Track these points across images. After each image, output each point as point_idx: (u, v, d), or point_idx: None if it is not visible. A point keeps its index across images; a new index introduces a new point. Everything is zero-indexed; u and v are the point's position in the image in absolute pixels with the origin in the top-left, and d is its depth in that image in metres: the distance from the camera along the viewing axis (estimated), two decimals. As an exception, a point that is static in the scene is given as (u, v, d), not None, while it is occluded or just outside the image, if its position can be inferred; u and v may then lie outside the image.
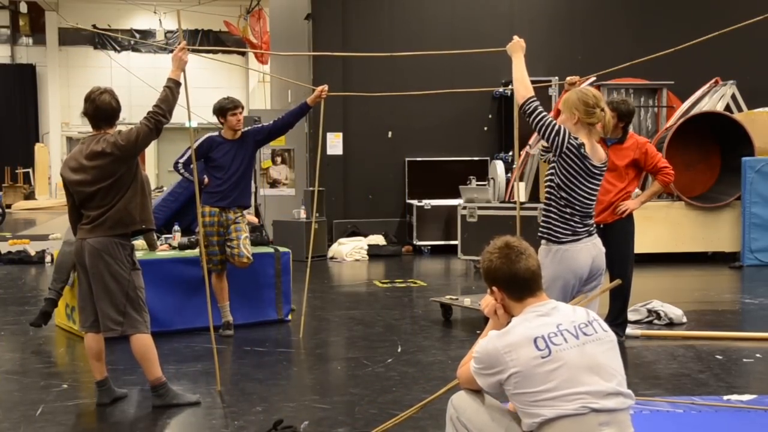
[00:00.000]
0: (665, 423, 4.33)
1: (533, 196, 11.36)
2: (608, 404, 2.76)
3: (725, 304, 8.17)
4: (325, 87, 6.44)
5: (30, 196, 26.45)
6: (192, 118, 5.01)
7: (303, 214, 11.60)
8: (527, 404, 2.78)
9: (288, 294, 7.10)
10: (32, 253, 11.57)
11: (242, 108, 6.53)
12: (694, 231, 10.83)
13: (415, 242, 12.45)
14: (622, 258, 5.95)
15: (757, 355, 5.84)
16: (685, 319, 6.88)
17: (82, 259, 4.59)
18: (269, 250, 7.17)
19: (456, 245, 10.68)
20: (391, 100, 11.91)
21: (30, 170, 27.10)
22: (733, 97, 11.52)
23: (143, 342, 4.62)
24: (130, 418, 4.58)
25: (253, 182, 7.53)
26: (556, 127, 4.14)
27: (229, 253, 6.45)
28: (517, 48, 4.44)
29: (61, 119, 28.90)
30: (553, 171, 4.27)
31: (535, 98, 4.20)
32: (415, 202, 12.50)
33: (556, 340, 2.79)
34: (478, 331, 5.04)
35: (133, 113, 21.71)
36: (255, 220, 8.63)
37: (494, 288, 3.01)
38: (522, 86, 4.27)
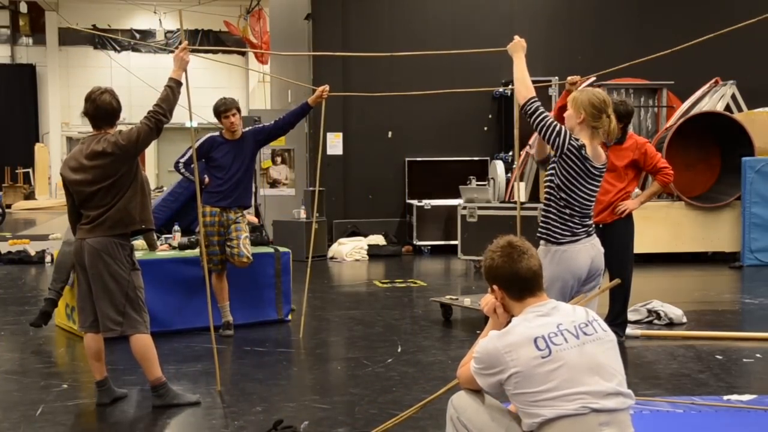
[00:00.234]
0: (665, 423, 4.33)
1: (533, 196, 11.35)
2: (608, 404, 2.76)
3: (725, 304, 8.17)
4: (327, 87, 6.43)
5: (30, 196, 26.43)
6: (192, 118, 5.01)
7: (303, 214, 11.60)
8: (527, 404, 2.78)
9: (288, 294, 7.10)
10: (32, 253, 11.57)
11: (236, 109, 6.47)
12: (694, 231, 10.83)
13: (415, 242, 12.44)
14: (622, 258, 5.95)
15: (757, 355, 5.85)
16: (685, 319, 6.88)
17: (81, 259, 4.59)
18: (269, 250, 7.17)
19: (456, 245, 10.69)
20: (391, 100, 11.92)
21: (30, 170, 27.08)
22: (733, 97, 11.52)
23: (143, 342, 4.62)
24: (130, 418, 4.58)
25: (253, 182, 7.53)
26: (557, 128, 4.13)
27: (229, 253, 6.45)
28: (518, 48, 4.43)
29: (61, 119, 28.88)
30: (553, 172, 4.27)
31: (536, 98, 4.19)
32: (415, 202, 12.50)
33: (556, 340, 2.79)
34: (478, 331, 5.03)
35: (133, 113, 21.69)
36: (255, 220, 8.63)
37: (495, 286, 3.01)
38: (523, 86, 4.26)
